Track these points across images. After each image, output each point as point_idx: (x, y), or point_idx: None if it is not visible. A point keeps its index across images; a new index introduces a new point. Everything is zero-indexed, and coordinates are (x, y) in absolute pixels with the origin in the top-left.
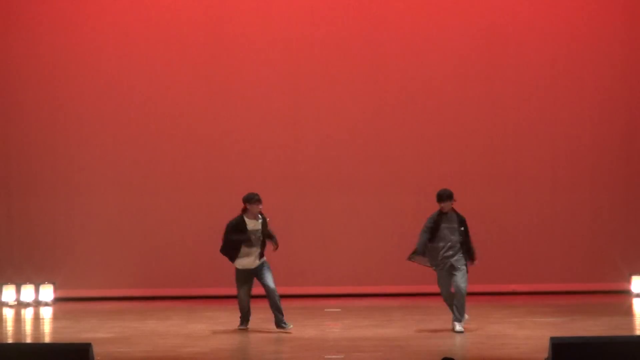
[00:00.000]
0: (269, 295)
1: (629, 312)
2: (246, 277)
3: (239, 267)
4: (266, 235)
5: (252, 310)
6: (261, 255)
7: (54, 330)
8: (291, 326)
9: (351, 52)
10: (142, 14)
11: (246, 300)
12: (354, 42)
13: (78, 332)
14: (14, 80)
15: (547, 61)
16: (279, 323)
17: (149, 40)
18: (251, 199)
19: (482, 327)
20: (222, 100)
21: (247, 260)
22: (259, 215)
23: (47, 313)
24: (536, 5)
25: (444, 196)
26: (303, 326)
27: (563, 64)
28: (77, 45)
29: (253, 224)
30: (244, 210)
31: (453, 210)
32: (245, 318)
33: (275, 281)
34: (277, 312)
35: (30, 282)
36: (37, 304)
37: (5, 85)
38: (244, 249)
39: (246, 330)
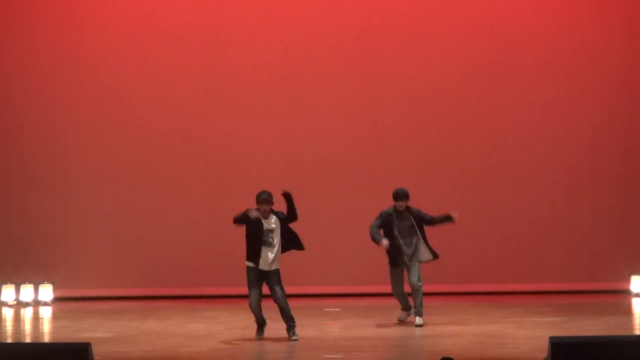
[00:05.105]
0: (278, 306)
1: (628, 311)
2: (255, 279)
3: (248, 264)
4: (287, 234)
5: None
6: (276, 258)
7: (54, 330)
8: (296, 338)
9: (351, 52)
10: (141, 13)
11: (257, 308)
12: (353, 43)
13: (77, 331)
14: (13, 80)
15: (547, 61)
16: (288, 331)
17: (148, 40)
18: (257, 197)
19: (482, 326)
20: (221, 100)
21: (261, 260)
22: (273, 215)
23: (46, 313)
24: (536, 6)
25: (401, 195)
26: (302, 326)
27: (563, 64)
28: (75, 44)
29: (267, 224)
30: None
31: (407, 208)
32: (260, 327)
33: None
34: (288, 320)
35: (30, 282)
36: (36, 303)
37: (4, 85)
38: (261, 246)
39: (261, 339)
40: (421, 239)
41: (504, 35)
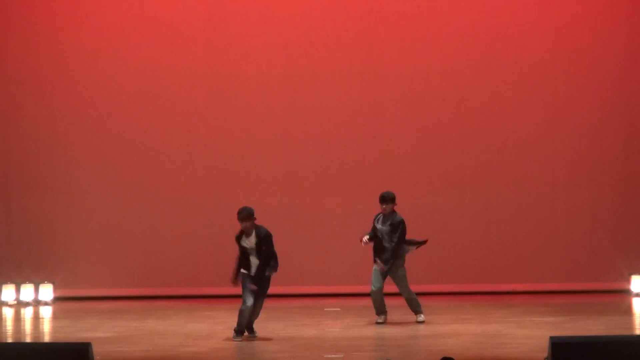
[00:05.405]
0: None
1: (628, 311)
2: (249, 284)
3: (243, 271)
4: (264, 256)
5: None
6: (263, 269)
7: (54, 330)
8: (237, 338)
9: (351, 52)
10: (141, 13)
11: (248, 313)
12: (354, 43)
13: (78, 331)
14: (13, 81)
15: (548, 61)
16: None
17: (147, 40)
18: (238, 215)
19: (482, 326)
20: (221, 100)
21: (247, 266)
22: (253, 233)
23: (46, 312)
24: (536, 6)
25: (386, 199)
26: (302, 325)
27: (563, 64)
28: (76, 45)
29: (247, 241)
30: None
31: (393, 212)
32: (240, 333)
33: (262, 307)
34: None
35: (30, 282)
36: (36, 303)
37: (4, 86)
38: (251, 259)
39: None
40: (400, 243)
41: (504, 35)
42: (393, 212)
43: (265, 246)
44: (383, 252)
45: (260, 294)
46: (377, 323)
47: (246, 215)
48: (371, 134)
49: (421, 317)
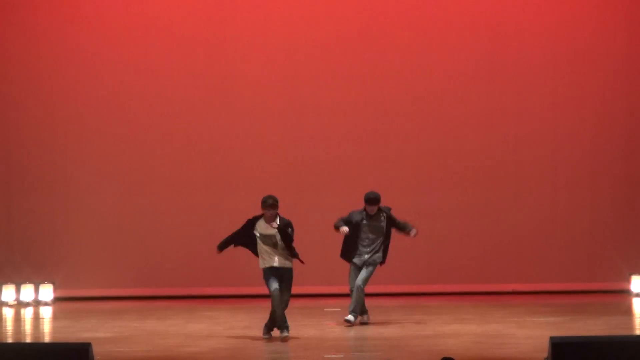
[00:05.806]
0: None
1: (628, 311)
2: (273, 276)
3: (261, 266)
4: (286, 244)
5: (250, 309)
6: (286, 256)
7: (54, 330)
8: (286, 334)
9: (350, 52)
10: (142, 13)
11: (279, 298)
12: (354, 43)
13: (78, 331)
14: (13, 81)
15: (548, 61)
16: (280, 329)
17: (148, 40)
18: (263, 202)
19: (482, 326)
20: (222, 99)
21: (268, 259)
22: (277, 221)
23: (46, 313)
24: (537, 6)
25: (373, 200)
26: (303, 326)
27: (564, 63)
28: (76, 45)
29: (265, 228)
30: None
31: (378, 209)
32: (271, 324)
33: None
34: (277, 320)
35: (30, 282)
36: (36, 303)
37: (5, 86)
38: (265, 248)
39: (269, 338)
40: (384, 241)
41: (505, 35)
42: (379, 207)
43: (291, 229)
44: (357, 248)
45: (287, 283)
46: (361, 323)
47: (273, 203)
48: (371, 134)
49: (350, 317)
